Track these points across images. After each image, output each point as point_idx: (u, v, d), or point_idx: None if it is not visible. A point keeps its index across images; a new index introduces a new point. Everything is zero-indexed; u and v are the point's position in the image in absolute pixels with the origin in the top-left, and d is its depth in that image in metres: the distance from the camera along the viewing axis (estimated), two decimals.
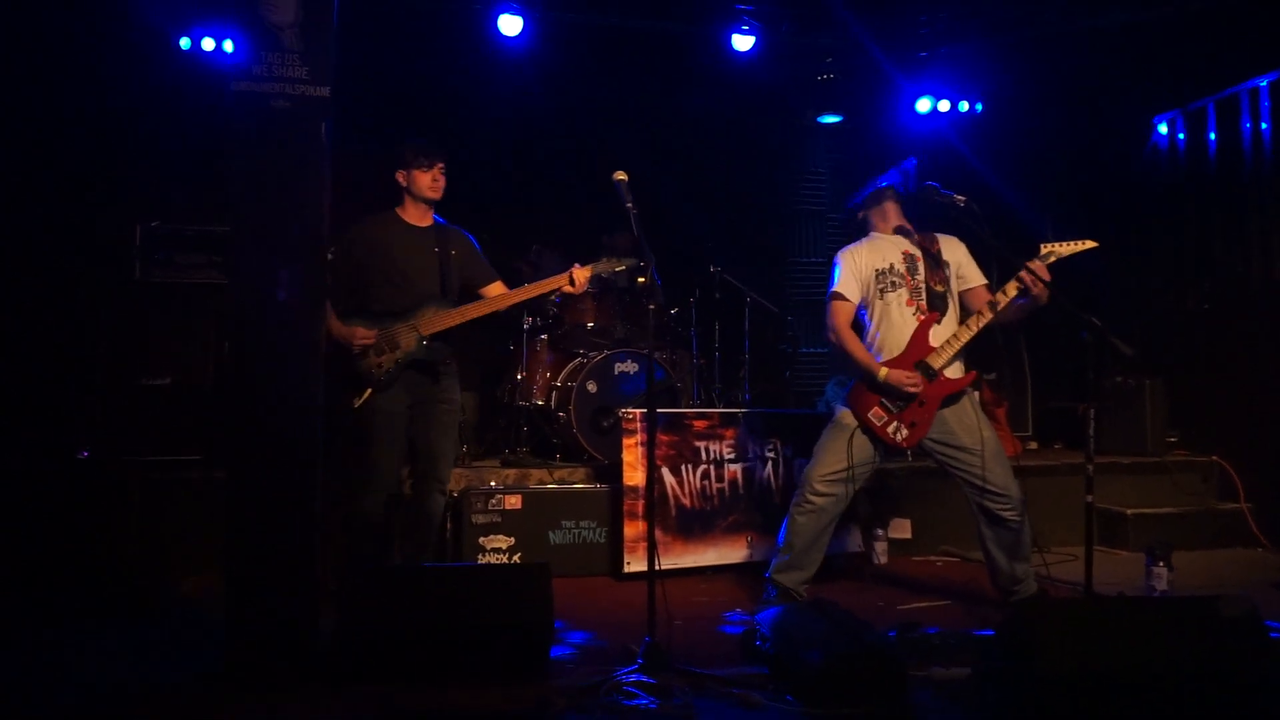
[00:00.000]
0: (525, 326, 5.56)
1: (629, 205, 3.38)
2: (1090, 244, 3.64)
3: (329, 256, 3.84)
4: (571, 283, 3.96)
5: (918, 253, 3.86)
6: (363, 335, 3.81)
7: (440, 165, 3.96)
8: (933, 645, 3.29)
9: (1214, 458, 5.75)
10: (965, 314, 3.85)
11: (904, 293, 3.80)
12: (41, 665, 3.19)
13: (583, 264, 4.00)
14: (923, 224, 3.99)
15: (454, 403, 4.05)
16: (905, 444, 3.76)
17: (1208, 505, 5.59)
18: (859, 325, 3.93)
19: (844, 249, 3.95)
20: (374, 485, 3.87)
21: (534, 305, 5.53)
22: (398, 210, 4.02)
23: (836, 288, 3.87)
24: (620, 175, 3.40)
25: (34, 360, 5.19)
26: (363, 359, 3.83)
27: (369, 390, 3.83)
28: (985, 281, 3.89)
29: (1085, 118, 6.63)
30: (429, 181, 3.95)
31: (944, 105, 6.79)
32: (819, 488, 3.79)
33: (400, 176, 3.97)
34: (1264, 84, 5.59)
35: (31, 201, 5.37)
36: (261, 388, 3.03)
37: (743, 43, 6.14)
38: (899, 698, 2.81)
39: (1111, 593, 3.86)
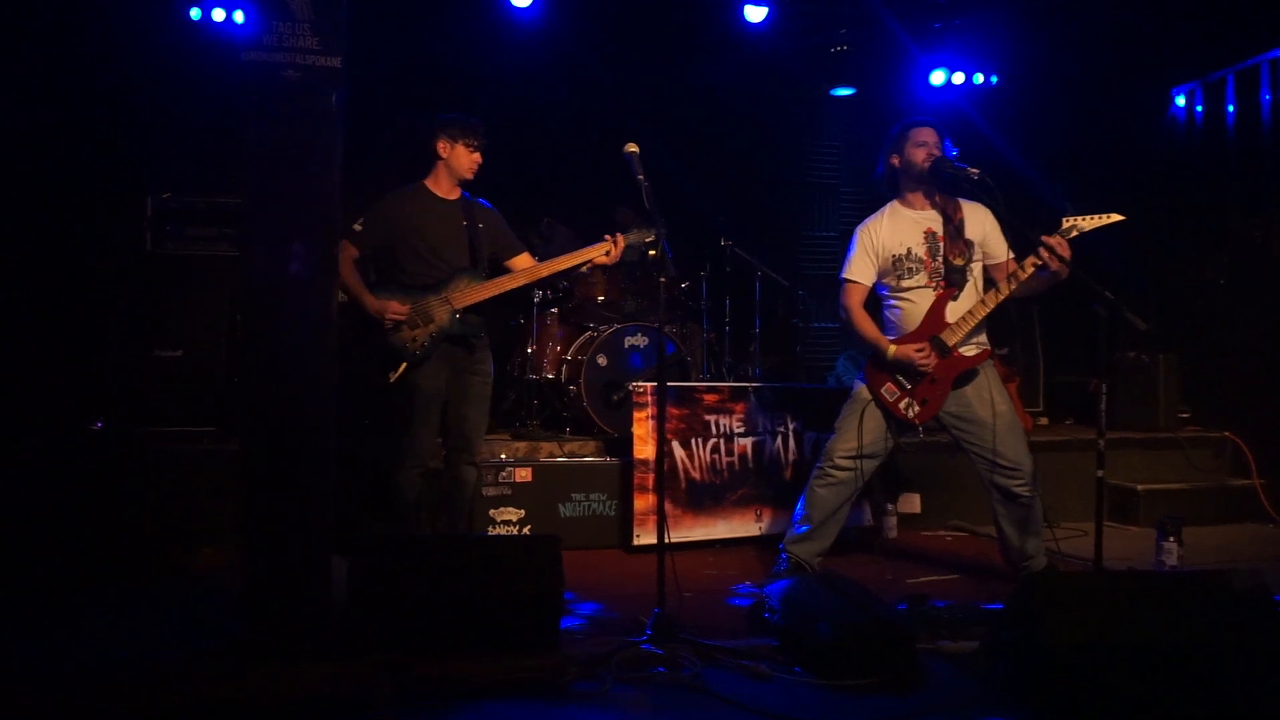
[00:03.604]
0: (535, 300, 5.54)
1: (640, 178, 3.35)
2: (1116, 217, 3.55)
3: (358, 228, 3.84)
4: (607, 253, 3.91)
5: (940, 230, 3.77)
6: (395, 309, 3.78)
7: (482, 149, 3.96)
8: (941, 618, 3.30)
9: (1226, 434, 5.73)
10: (988, 286, 3.80)
11: (922, 276, 3.75)
12: (58, 636, 3.22)
13: (610, 235, 3.92)
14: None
15: (488, 375, 4.04)
16: (917, 420, 3.75)
17: (1220, 481, 5.57)
18: (874, 300, 3.88)
19: (864, 224, 3.86)
20: (410, 460, 3.87)
21: (543, 279, 5.51)
22: (426, 182, 3.98)
23: (850, 274, 3.83)
24: (631, 147, 3.37)
25: (47, 333, 5.21)
26: (396, 333, 3.80)
27: (404, 365, 3.81)
28: (1011, 255, 3.78)
29: (1102, 90, 6.54)
30: (470, 162, 3.94)
31: (958, 78, 6.72)
32: (839, 461, 3.82)
33: (442, 147, 3.92)
34: None
35: (42, 175, 5.36)
36: (275, 361, 3.03)
37: (755, 13, 6.07)
38: (908, 670, 2.81)
39: (1121, 568, 3.86)
